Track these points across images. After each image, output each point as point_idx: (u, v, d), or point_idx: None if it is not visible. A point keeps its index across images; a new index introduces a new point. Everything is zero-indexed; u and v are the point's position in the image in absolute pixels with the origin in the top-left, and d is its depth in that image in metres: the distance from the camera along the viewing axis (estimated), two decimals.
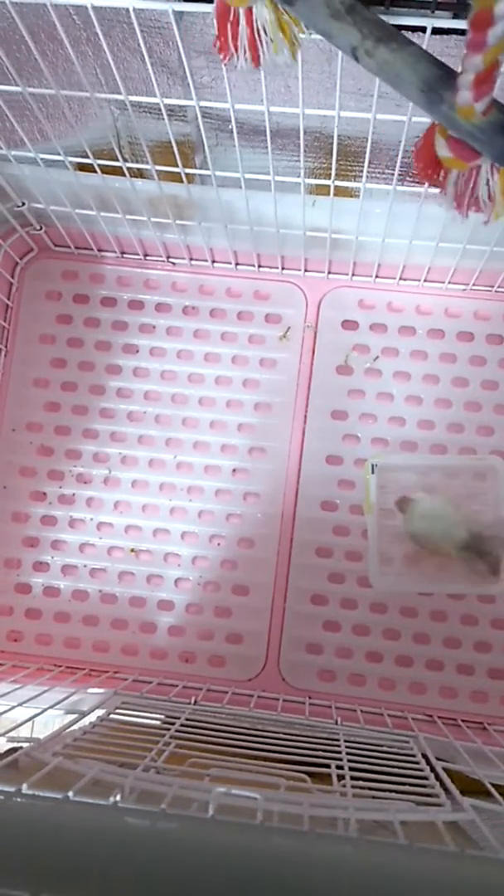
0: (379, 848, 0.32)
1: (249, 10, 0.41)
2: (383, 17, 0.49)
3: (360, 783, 0.54)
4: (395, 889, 0.28)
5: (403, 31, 0.54)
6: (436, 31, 0.51)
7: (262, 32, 0.42)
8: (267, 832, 0.33)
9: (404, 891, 0.28)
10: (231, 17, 0.42)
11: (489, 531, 0.80)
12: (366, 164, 0.66)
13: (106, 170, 0.73)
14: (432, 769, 0.60)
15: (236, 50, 0.43)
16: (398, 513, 0.82)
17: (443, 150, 0.41)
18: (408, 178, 0.72)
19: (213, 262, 0.89)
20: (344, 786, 0.53)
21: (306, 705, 0.78)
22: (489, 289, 0.86)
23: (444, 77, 0.38)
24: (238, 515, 0.87)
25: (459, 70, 0.36)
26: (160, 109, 0.62)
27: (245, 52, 0.43)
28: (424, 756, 0.64)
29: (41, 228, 0.87)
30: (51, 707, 0.68)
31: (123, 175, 0.74)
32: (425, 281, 0.86)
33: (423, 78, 0.38)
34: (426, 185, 0.45)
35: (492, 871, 0.29)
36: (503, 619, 0.83)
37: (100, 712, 0.68)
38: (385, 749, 0.65)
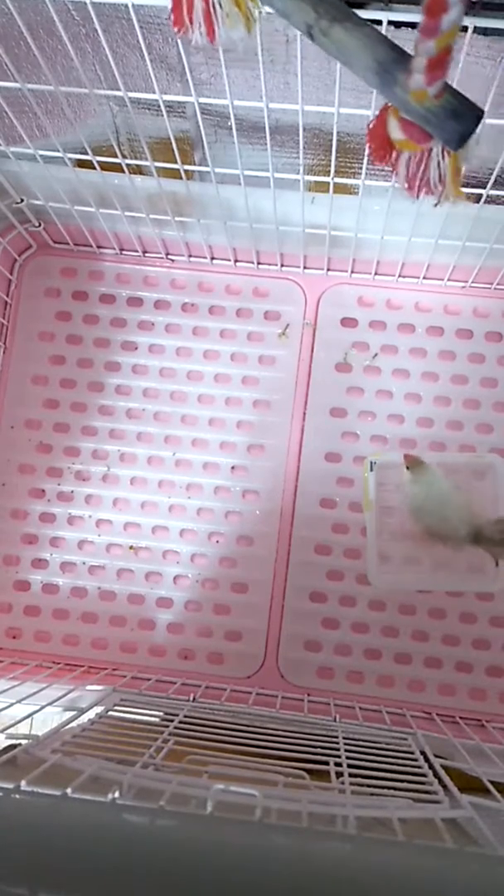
0: (377, 845, 0.32)
1: None
2: (383, 14, 0.49)
3: (359, 780, 0.54)
4: (393, 886, 0.28)
5: (403, 28, 0.54)
6: None
7: (216, 6, 0.42)
8: (265, 829, 0.33)
9: (402, 888, 0.28)
10: None
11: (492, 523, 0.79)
12: (365, 160, 0.66)
13: (105, 166, 0.73)
14: (431, 766, 0.60)
15: (191, 24, 0.43)
16: (404, 471, 0.80)
17: (396, 132, 0.41)
18: None
19: (213, 259, 0.89)
20: (342, 783, 0.53)
21: (305, 702, 0.78)
22: (488, 286, 0.86)
23: (397, 59, 0.38)
24: (237, 513, 0.87)
25: (413, 53, 0.37)
26: (159, 106, 0.62)
27: (200, 27, 0.43)
28: (423, 753, 0.64)
29: (40, 225, 0.87)
30: (49, 704, 0.68)
31: (122, 172, 0.74)
32: (424, 278, 0.86)
33: (377, 59, 0.38)
34: (382, 165, 0.46)
35: (489, 867, 0.29)
36: (502, 616, 0.83)
37: (98, 709, 0.68)
38: (383, 746, 0.65)
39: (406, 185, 0.45)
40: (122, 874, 0.27)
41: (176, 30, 0.43)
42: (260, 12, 0.43)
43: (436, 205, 0.45)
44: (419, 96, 0.38)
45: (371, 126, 0.43)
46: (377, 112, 0.58)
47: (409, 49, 0.38)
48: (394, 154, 0.44)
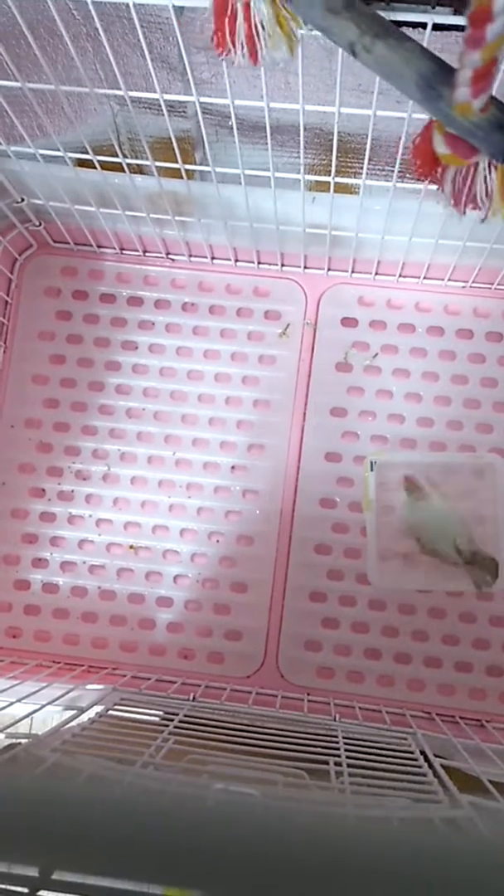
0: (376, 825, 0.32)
1: (247, 5, 0.41)
2: (384, 14, 0.49)
3: (359, 780, 0.54)
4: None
5: (404, 28, 0.54)
6: (436, 27, 0.51)
7: (259, 28, 0.42)
8: (270, 810, 0.32)
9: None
10: (229, 12, 0.42)
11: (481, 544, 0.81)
12: (366, 160, 0.66)
13: (105, 166, 0.73)
14: (430, 766, 0.60)
15: (234, 45, 0.43)
16: (403, 492, 0.81)
17: (441, 147, 0.41)
18: (408, 175, 0.72)
19: (213, 258, 0.89)
20: (342, 782, 0.54)
21: (305, 702, 0.79)
22: (489, 286, 0.86)
23: (441, 73, 0.38)
24: (237, 512, 0.87)
25: (457, 66, 0.36)
26: (160, 105, 0.62)
27: (243, 48, 0.43)
28: (423, 753, 0.64)
29: (40, 224, 0.87)
30: (49, 703, 0.68)
31: (123, 171, 0.74)
32: (425, 278, 0.86)
33: (420, 74, 0.38)
34: (425, 182, 0.45)
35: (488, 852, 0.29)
36: (501, 616, 0.83)
37: (98, 709, 0.68)
38: (383, 746, 0.65)
39: (452, 201, 0.44)
40: (133, 851, 0.27)
41: (218, 52, 0.43)
42: (303, 31, 0.43)
43: (483, 220, 0.44)
44: (464, 109, 0.37)
45: (416, 142, 0.42)
46: (377, 113, 0.59)
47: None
48: (439, 169, 0.43)
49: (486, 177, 0.42)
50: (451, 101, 0.37)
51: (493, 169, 0.41)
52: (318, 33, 0.42)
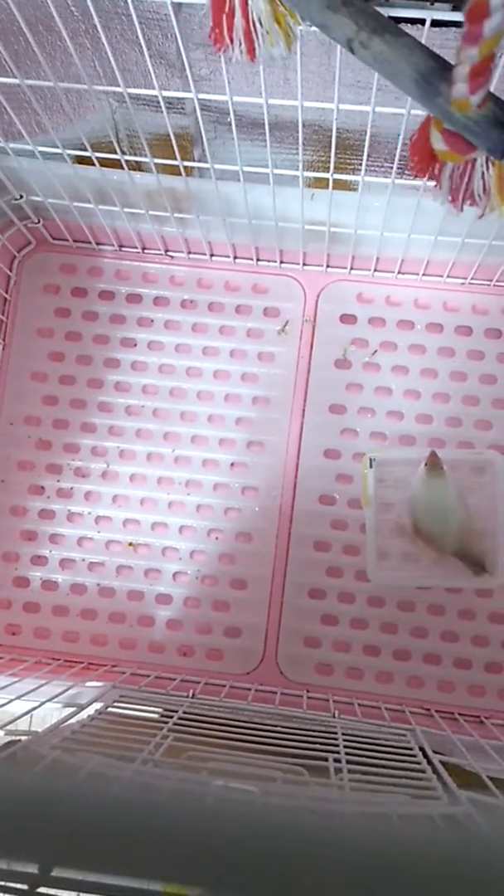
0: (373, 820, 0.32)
1: (245, 2, 0.41)
2: (383, 10, 0.49)
3: (358, 776, 0.54)
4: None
5: (402, 24, 0.54)
6: (435, 23, 0.51)
7: (257, 24, 0.42)
8: (267, 808, 0.33)
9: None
10: (227, 9, 0.42)
11: (476, 535, 0.81)
12: (364, 157, 0.66)
13: (104, 162, 0.73)
14: (429, 763, 0.60)
15: (231, 42, 0.43)
16: (422, 466, 0.80)
17: (438, 144, 0.41)
18: (406, 172, 0.72)
19: (212, 255, 0.89)
20: (341, 779, 0.54)
21: (304, 699, 0.79)
22: (488, 283, 0.86)
23: (439, 69, 0.38)
24: (236, 509, 0.87)
25: (455, 62, 0.36)
26: (158, 102, 0.62)
27: (240, 45, 0.43)
28: (422, 749, 0.64)
29: (39, 221, 0.87)
30: (49, 700, 0.68)
31: (122, 168, 0.73)
32: (424, 275, 0.86)
33: (418, 70, 0.38)
34: (424, 178, 0.45)
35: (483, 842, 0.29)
36: (501, 613, 0.83)
37: (98, 706, 0.68)
38: (382, 742, 0.65)
39: (450, 198, 0.44)
40: (131, 848, 0.27)
41: (216, 48, 0.43)
42: (302, 27, 0.42)
43: (481, 216, 0.44)
44: (462, 106, 0.37)
45: (413, 138, 0.42)
46: (375, 109, 0.59)
47: None
48: (437, 166, 0.43)
49: (483, 173, 0.42)
50: (448, 98, 0.37)
51: (490, 165, 0.41)
52: (315, 29, 0.42)
